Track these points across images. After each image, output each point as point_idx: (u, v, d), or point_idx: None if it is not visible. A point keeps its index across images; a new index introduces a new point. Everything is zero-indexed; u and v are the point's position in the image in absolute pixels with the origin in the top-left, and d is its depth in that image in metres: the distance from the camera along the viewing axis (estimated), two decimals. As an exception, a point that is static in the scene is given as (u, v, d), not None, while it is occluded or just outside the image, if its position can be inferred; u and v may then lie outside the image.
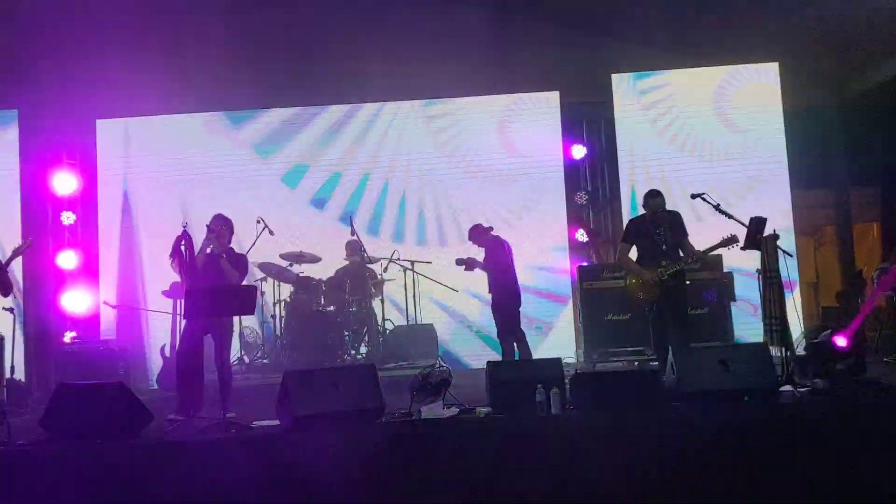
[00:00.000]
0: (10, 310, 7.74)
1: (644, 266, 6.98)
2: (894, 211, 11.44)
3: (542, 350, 9.33)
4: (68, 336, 9.74)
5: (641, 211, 7.26)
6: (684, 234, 7.01)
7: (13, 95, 9.92)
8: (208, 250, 6.61)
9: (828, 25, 9.22)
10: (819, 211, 11.30)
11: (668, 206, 7.08)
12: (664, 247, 6.91)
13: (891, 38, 9.46)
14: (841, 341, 6.54)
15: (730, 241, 6.70)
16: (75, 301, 9.89)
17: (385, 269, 9.20)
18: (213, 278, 6.50)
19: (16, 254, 7.21)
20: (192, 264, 6.45)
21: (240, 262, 6.79)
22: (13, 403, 7.30)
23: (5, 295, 7.18)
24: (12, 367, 7.73)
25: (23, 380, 8.50)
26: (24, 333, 8.16)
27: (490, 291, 8.14)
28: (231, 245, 6.85)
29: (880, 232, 11.73)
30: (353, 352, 8.96)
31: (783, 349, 6.25)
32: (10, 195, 9.97)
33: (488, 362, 6.13)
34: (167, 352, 8.61)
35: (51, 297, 9.95)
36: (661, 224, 6.96)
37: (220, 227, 6.70)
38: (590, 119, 10.48)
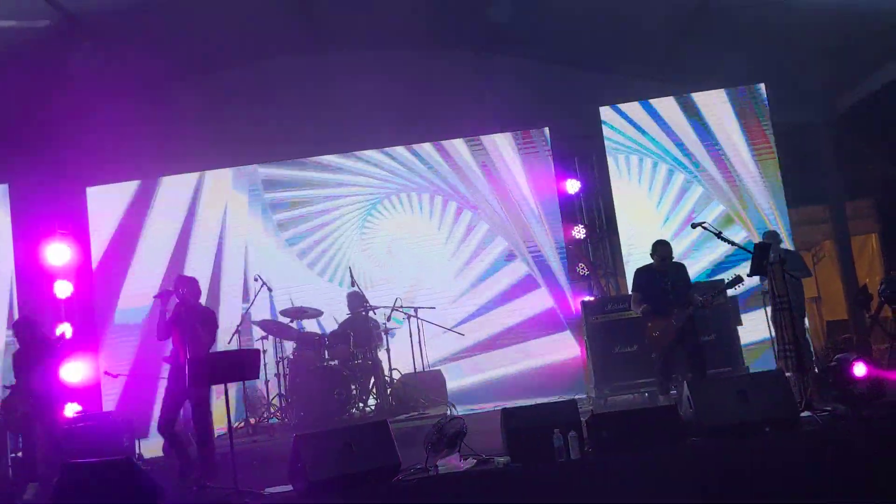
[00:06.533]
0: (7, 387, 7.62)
1: (654, 315, 6.97)
2: (891, 220, 11.42)
3: (549, 390, 9.21)
4: (71, 409, 9.55)
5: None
6: (689, 285, 7.11)
7: (1, 171, 9.89)
8: (167, 314, 6.59)
9: (812, 42, 9.27)
10: (816, 227, 11.29)
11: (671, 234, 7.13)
12: (671, 296, 6.96)
13: (876, 50, 9.51)
14: (860, 370, 6.34)
15: (735, 282, 6.76)
16: (75, 372, 9.70)
17: (388, 318, 9.08)
18: (184, 339, 6.47)
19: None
20: (166, 327, 6.54)
21: (207, 318, 6.73)
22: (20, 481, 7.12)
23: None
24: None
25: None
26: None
27: None
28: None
29: (879, 242, 11.70)
30: (361, 405, 8.80)
31: (799, 374, 6.14)
32: (4, 270, 9.88)
33: (502, 410, 5.99)
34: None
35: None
36: (667, 273, 7.02)
37: (178, 289, 6.64)
38: (581, 153, 10.44)
